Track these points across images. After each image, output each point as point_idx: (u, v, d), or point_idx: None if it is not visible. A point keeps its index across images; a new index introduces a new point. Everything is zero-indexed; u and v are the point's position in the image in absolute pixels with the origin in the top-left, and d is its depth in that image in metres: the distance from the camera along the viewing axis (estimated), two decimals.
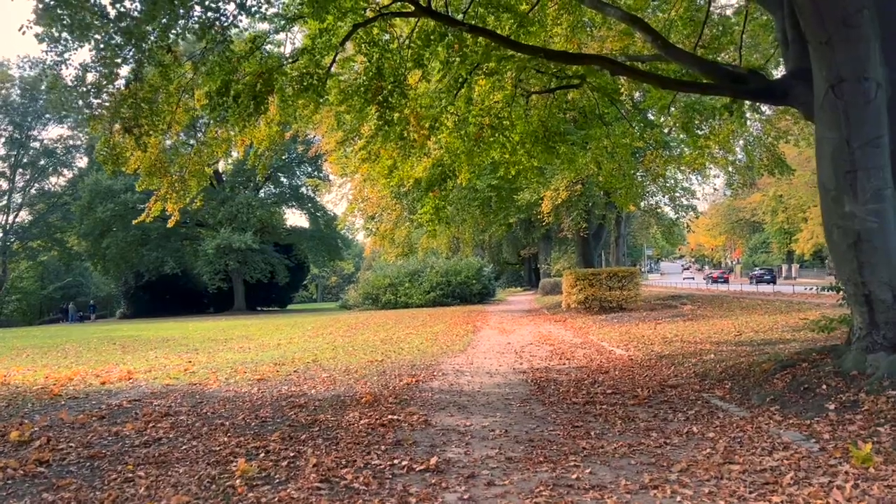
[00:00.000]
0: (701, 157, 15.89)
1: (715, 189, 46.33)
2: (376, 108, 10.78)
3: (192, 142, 14.25)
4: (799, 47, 8.36)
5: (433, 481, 4.81)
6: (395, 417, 7.02)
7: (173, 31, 9.10)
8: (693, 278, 77.54)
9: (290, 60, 11.24)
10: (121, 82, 9.74)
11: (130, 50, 9.25)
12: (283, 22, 11.07)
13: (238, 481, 4.94)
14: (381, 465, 5.28)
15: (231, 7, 9.27)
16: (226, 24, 9.36)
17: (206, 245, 45.84)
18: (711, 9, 13.08)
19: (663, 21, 13.21)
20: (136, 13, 8.14)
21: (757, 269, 64.62)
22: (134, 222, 14.07)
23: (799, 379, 6.78)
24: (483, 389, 8.88)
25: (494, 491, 4.56)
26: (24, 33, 7.59)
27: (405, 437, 6.14)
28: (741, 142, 19.95)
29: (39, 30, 8.32)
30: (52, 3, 8.01)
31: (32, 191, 57.55)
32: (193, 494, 4.72)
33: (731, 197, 64.20)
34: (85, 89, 9.38)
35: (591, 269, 24.90)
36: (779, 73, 13.96)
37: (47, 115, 53.96)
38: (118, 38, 8.68)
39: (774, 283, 50.52)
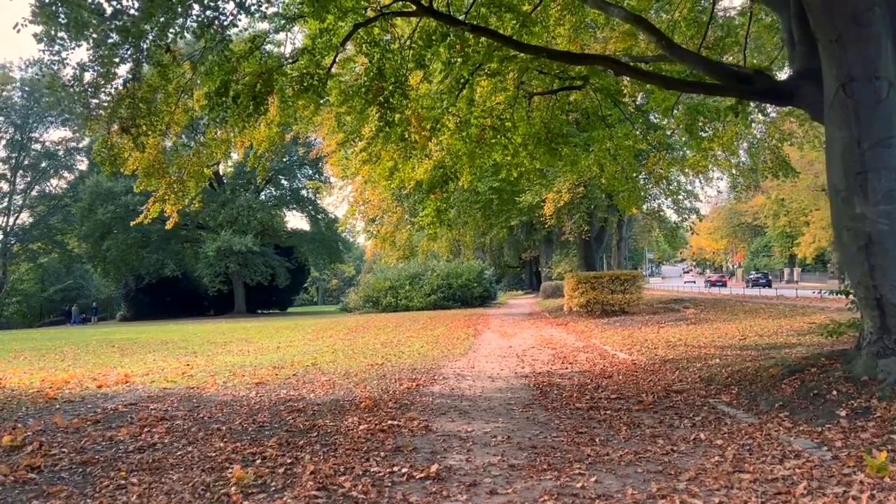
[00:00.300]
0: (704, 160, 15.74)
1: (719, 191, 46.18)
2: (377, 108, 10.66)
3: (191, 143, 14.10)
4: (805, 47, 8.24)
5: (434, 490, 4.67)
6: (395, 423, 6.88)
7: (172, 30, 9.00)
8: (694, 282, 77.38)
9: (290, 61, 11.13)
10: (119, 82, 9.64)
11: (128, 49, 9.16)
12: (283, 21, 10.96)
13: (233, 489, 4.80)
14: (380, 472, 5.14)
15: (230, 6, 9.17)
16: (225, 22, 9.24)
17: (207, 247, 45.73)
18: (715, 10, 12.97)
19: (667, 22, 13.10)
20: (133, 11, 8.02)
21: (753, 273, 65.51)
22: (132, 224, 13.96)
23: (808, 384, 6.63)
24: (485, 394, 8.74)
25: (497, 500, 4.42)
26: (19, 31, 7.47)
27: (405, 444, 6.00)
28: (745, 144, 19.83)
29: (37, 29, 8.23)
30: (48, 0, 7.91)
31: (33, 193, 57.50)
32: (187, 502, 4.58)
33: (734, 200, 64.14)
34: (81, 89, 9.27)
35: (593, 273, 24.75)
36: (783, 74, 13.82)
37: (49, 118, 53.97)
38: (115, 37, 8.57)
39: (770, 286, 51.70)
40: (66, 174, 58.69)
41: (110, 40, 8.32)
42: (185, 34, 9.18)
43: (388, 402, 8.16)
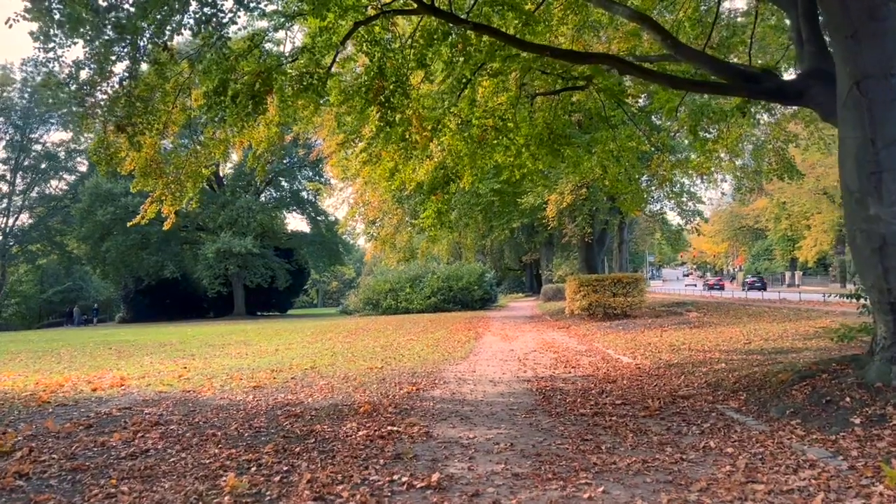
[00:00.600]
0: (708, 161, 15.57)
1: (723, 193, 46.05)
2: (377, 108, 10.49)
3: (189, 143, 13.95)
4: (814, 47, 8.09)
5: (435, 500, 4.50)
6: (395, 429, 6.70)
7: (169, 27, 8.85)
8: (695, 285, 77.30)
9: (289, 59, 10.97)
10: (115, 80, 9.48)
11: (125, 47, 9.01)
12: (282, 19, 10.80)
13: (227, 498, 4.63)
14: (379, 481, 4.96)
15: (229, 3, 9.02)
16: (223, 20, 9.09)
17: (206, 249, 45.57)
18: (720, 11, 12.81)
19: (671, 22, 12.94)
20: (127, 6, 7.87)
21: (749, 276, 66.96)
22: (129, 224, 13.78)
23: (819, 391, 6.45)
24: (486, 399, 8.56)
25: None
26: (11, 26, 7.30)
27: (405, 451, 5.82)
28: (749, 146, 19.66)
29: (33, 27, 8.09)
30: None
31: (33, 194, 57.36)
32: None
33: (738, 202, 64.04)
34: (76, 86, 9.11)
35: (594, 276, 24.56)
36: (789, 75, 13.65)
37: (51, 119, 53.88)
38: (111, 34, 8.42)
39: (764, 289, 52.79)
40: (66, 176, 58.59)
41: (105, 37, 8.15)
42: (183, 31, 9.01)
43: (388, 406, 7.98)
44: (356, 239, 56.52)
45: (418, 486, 4.79)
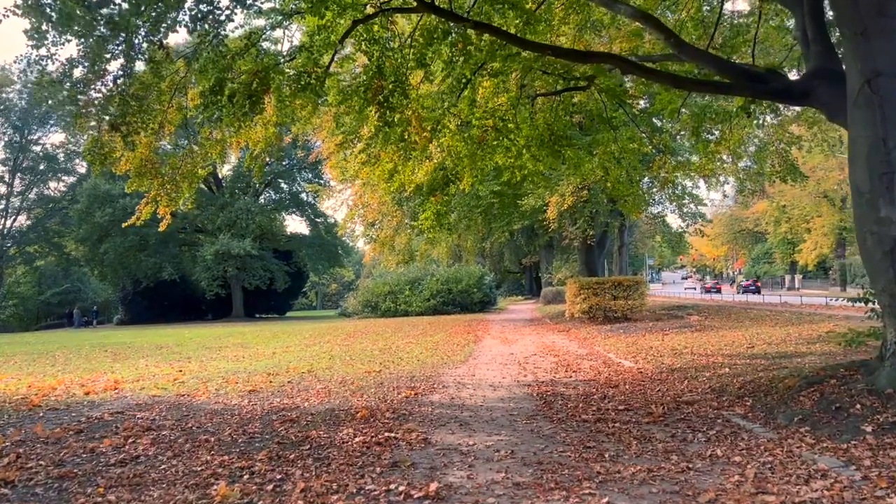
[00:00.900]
0: (711, 163, 15.41)
1: (725, 195, 45.91)
2: (376, 108, 10.33)
3: (185, 143, 13.77)
4: (820, 46, 7.94)
5: None
6: (393, 435, 6.53)
7: (164, 25, 8.70)
8: (695, 288, 77.14)
9: (287, 59, 10.81)
10: (109, 79, 9.32)
11: (119, 45, 8.86)
12: (279, 18, 10.66)
13: None
14: (375, 490, 4.79)
15: (225, 0, 8.87)
16: (220, 17, 8.94)
17: (205, 251, 45.38)
18: (723, 11, 12.67)
19: (673, 23, 12.79)
20: (121, 2, 7.71)
21: (744, 280, 68.08)
22: (124, 225, 13.60)
23: (828, 397, 6.28)
24: (486, 404, 8.38)
25: None
26: (0, 21, 7.14)
27: (402, 458, 5.65)
28: (751, 148, 19.50)
29: (26, 25, 7.93)
30: None
31: (31, 195, 57.16)
32: None
33: (740, 205, 63.99)
34: (70, 84, 8.95)
35: (595, 278, 24.40)
36: (792, 76, 13.48)
37: (50, 121, 53.68)
38: (104, 31, 8.26)
39: (758, 292, 53.55)
40: (64, 177, 58.39)
41: (97, 34, 8.00)
42: (178, 29, 8.85)
43: (386, 412, 7.81)
44: (355, 241, 56.31)
45: (416, 496, 4.63)
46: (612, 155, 14.32)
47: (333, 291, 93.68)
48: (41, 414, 8.50)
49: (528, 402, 8.41)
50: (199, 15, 8.82)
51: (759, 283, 62.58)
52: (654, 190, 23.65)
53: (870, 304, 7.20)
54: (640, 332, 17.94)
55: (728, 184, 28.74)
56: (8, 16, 7.27)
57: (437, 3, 9.89)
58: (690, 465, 5.16)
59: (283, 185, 55.84)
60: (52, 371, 13.78)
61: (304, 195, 54.91)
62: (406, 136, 11.20)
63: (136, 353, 17.93)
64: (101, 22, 7.93)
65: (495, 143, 12.15)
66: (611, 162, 14.55)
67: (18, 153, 54.20)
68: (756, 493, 4.34)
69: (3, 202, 54.69)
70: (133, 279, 49.21)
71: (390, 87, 10.19)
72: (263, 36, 10.90)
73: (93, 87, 9.37)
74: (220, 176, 52.25)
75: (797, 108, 16.37)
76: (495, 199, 23.35)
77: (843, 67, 8.27)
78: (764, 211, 64.79)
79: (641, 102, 20.05)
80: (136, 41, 9.03)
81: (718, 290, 63.02)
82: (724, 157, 16.06)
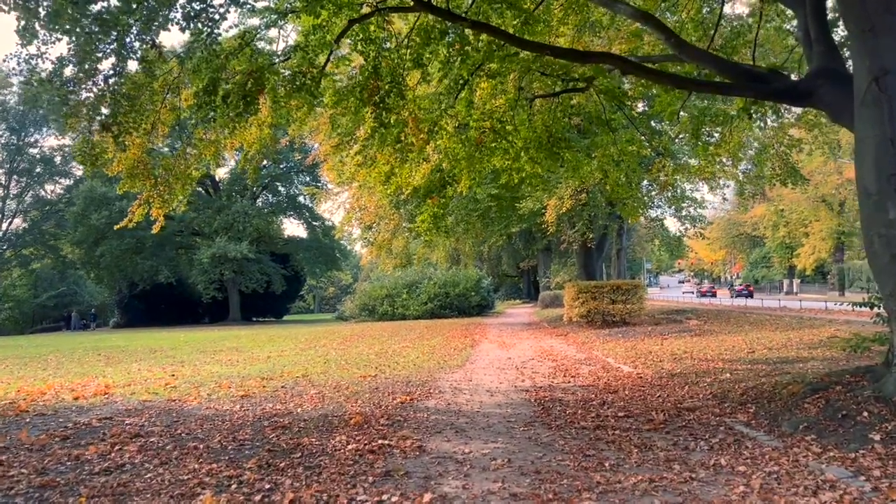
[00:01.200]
0: (711, 166, 15.26)
1: (725, 198, 45.78)
2: (372, 109, 10.17)
3: (179, 144, 13.58)
4: (823, 46, 7.81)
5: None
6: (386, 442, 6.35)
7: (156, 23, 8.54)
8: (693, 292, 77.02)
9: (282, 58, 10.66)
10: (100, 78, 9.16)
11: (111, 43, 8.71)
12: (274, 17, 10.51)
13: None
14: (366, 501, 4.62)
15: None
16: (213, 15, 8.78)
17: (202, 254, 45.15)
18: (723, 13, 12.54)
19: (673, 24, 12.65)
20: None
21: (737, 285, 69.25)
22: (116, 227, 13.42)
23: (834, 404, 6.12)
24: (483, 410, 8.21)
25: None
26: None
27: (396, 467, 5.47)
28: (751, 151, 19.35)
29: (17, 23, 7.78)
30: None
31: (27, 198, 56.90)
32: None
33: (740, 208, 63.97)
34: (59, 83, 8.79)
35: (593, 282, 24.22)
36: (793, 78, 13.34)
37: (48, 124, 53.43)
38: (94, 28, 8.10)
39: (751, 296, 54.07)
40: (61, 180, 58.10)
41: (87, 30, 7.83)
42: (171, 27, 8.69)
43: (380, 418, 7.64)
44: (353, 244, 56.21)
45: None
46: (611, 157, 14.17)
47: (331, 295, 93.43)
48: (28, 420, 8.31)
49: (526, 408, 8.24)
50: (192, 13, 8.68)
51: (751, 288, 63.06)
52: (654, 193, 23.48)
53: (875, 309, 7.05)
54: (638, 337, 17.78)
55: (728, 186, 28.57)
56: None
57: (434, 3, 9.74)
58: (693, 475, 4.99)
59: (280, 187, 55.64)
60: (43, 375, 13.57)
61: (301, 198, 54.70)
62: (403, 138, 11.03)
63: (129, 357, 17.73)
64: (91, 19, 7.76)
65: (493, 145, 12.01)
66: (610, 164, 14.40)
67: (15, 155, 53.96)
68: None
69: (0, 204, 54.45)
70: (129, 282, 48.95)
71: (386, 87, 10.04)
72: (258, 35, 10.74)
73: (83, 86, 9.21)
74: (216, 178, 52.05)
75: (797, 111, 16.24)
76: (493, 202, 23.20)
77: (847, 67, 8.14)
78: (762, 215, 64.71)
79: (640, 105, 19.94)
80: (128, 40, 8.89)
81: (713, 294, 63.54)
82: (724, 160, 15.88)
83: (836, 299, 37.65)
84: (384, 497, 4.67)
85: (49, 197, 57.70)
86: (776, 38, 13.89)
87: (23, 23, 7.85)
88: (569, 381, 10.45)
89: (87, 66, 8.73)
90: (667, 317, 24.76)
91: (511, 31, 10.15)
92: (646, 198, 23.09)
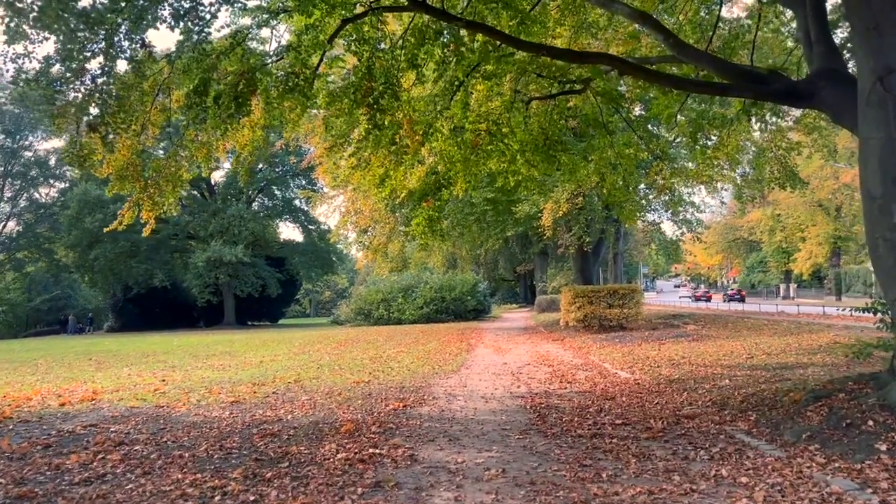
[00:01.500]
0: (709, 169, 15.12)
1: (723, 202, 45.69)
2: (366, 110, 10.01)
3: (170, 146, 13.38)
4: (823, 47, 7.68)
5: None
6: (377, 451, 6.16)
7: (144, 21, 8.38)
8: (689, 297, 76.98)
9: (274, 59, 10.49)
10: (88, 77, 8.99)
11: (99, 42, 8.55)
12: (266, 16, 10.33)
13: None
14: None
15: None
16: (203, 13, 8.62)
17: (197, 258, 44.93)
18: (720, 15, 12.41)
19: (670, 26, 12.51)
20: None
21: (730, 290, 69.86)
22: (106, 230, 13.21)
23: (838, 413, 5.94)
24: (477, 417, 8.03)
25: None
26: None
27: (386, 478, 5.29)
28: (748, 155, 19.22)
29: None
30: None
31: (21, 201, 56.58)
32: None
33: (739, 211, 64.03)
34: (46, 83, 8.61)
35: (590, 287, 24.07)
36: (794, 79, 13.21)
37: (42, 126, 53.13)
38: (81, 26, 7.93)
39: (743, 301, 54.34)
40: (56, 183, 57.81)
41: (72, 26, 7.66)
42: (159, 25, 8.52)
43: (372, 425, 7.45)
44: (349, 248, 55.96)
45: None
46: (608, 161, 14.02)
47: (327, 299, 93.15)
48: (11, 427, 8.11)
49: (522, 415, 8.06)
50: (182, 11, 8.52)
51: (743, 293, 63.67)
52: (651, 197, 23.35)
53: (879, 315, 6.89)
54: (636, 342, 17.61)
55: (726, 190, 28.49)
56: None
57: (428, 2, 9.59)
58: (694, 487, 4.81)
59: (276, 191, 55.46)
60: (31, 380, 13.36)
61: (297, 201, 54.53)
62: (397, 140, 10.87)
63: (120, 362, 17.51)
64: (77, 16, 7.59)
65: (489, 147, 11.84)
66: (607, 168, 14.25)
67: (10, 158, 53.66)
68: None
69: None
70: (124, 286, 48.69)
71: (381, 88, 9.86)
72: (250, 35, 10.56)
73: (71, 86, 9.04)
74: (212, 182, 51.86)
75: (795, 114, 16.12)
76: (489, 206, 23.05)
77: (848, 68, 8.01)
78: (759, 220, 64.70)
79: (638, 109, 19.80)
80: (117, 39, 8.72)
81: (708, 299, 63.90)
82: (723, 163, 15.74)
83: (834, 304, 37.71)
84: None
85: (43, 200, 57.39)
86: (774, 41, 13.78)
87: (9, 21, 7.69)
88: (565, 388, 10.27)
89: (74, 66, 8.57)
90: (664, 321, 24.62)
91: (507, 31, 10.00)
92: (643, 201, 22.96)
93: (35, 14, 7.62)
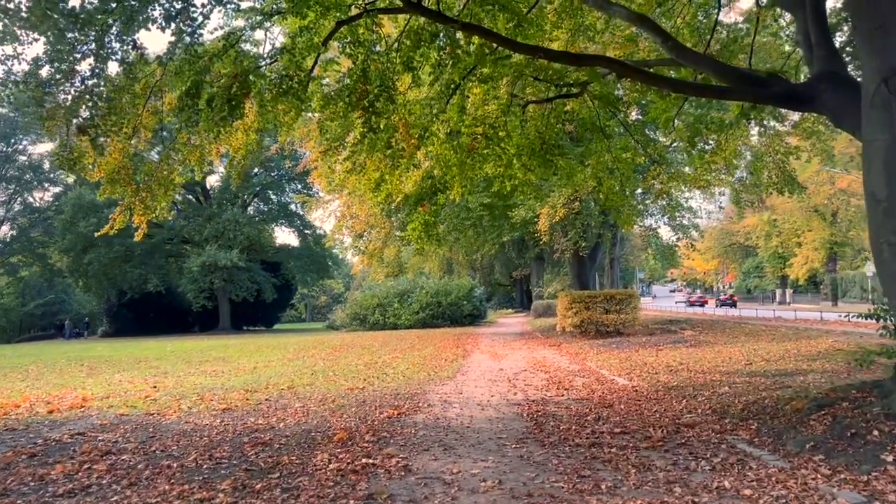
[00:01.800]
0: (707, 174, 15.02)
1: (721, 207, 45.48)
2: (361, 113, 9.87)
3: (162, 149, 13.22)
4: (824, 49, 7.57)
5: None
6: (371, 461, 6.01)
7: (136, 23, 8.24)
8: (685, 302, 76.98)
9: (268, 61, 10.35)
10: (77, 79, 8.84)
11: (89, 44, 8.41)
12: (259, 18, 10.19)
13: None
14: None
15: None
16: (194, 14, 8.49)
17: (191, 262, 44.69)
18: (719, 18, 12.32)
19: (668, 29, 12.41)
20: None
21: (722, 295, 71.11)
22: (97, 234, 13.03)
23: (842, 422, 5.81)
24: (473, 425, 7.88)
25: None
26: None
27: (379, 489, 5.14)
28: (744, 161, 19.12)
29: None
30: None
31: (16, 205, 56.29)
32: None
33: (734, 217, 64.05)
34: (35, 84, 8.46)
35: (587, 292, 23.94)
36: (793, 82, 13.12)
37: (37, 130, 52.86)
38: (70, 26, 7.79)
39: (735, 306, 55.10)
40: (50, 187, 57.58)
41: (61, 27, 7.52)
42: (150, 27, 8.39)
43: (365, 434, 7.29)
44: (344, 253, 55.77)
45: None
46: (605, 165, 13.91)
47: (323, 304, 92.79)
48: None
49: (518, 423, 7.91)
50: (173, 12, 8.39)
51: (735, 298, 64.30)
52: (649, 201, 23.23)
53: (882, 321, 6.77)
54: (633, 348, 17.48)
55: (724, 195, 28.37)
56: None
57: (424, 4, 9.47)
58: (696, 499, 4.67)
59: (271, 195, 55.26)
60: (21, 387, 13.16)
61: (292, 206, 54.34)
62: (393, 144, 10.73)
63: (112, 368, 17.30)
64: (66, 16, 7.45)
65: (485, 151, 11.71)
66: (604, 172, 14.13)
67: (4, 162, 53.39)
68: None
69: None
70: (118, 291, 48.43)
71: (376, 91, 9.74)
72: (243, 37, 10.43)
73: (61, 88, 8.90)
74: (207, 186, 51.65)
75: (793, 118, 16.04)
76: (485, 210, 22.91)
77: (849, 71, 7.91)
78: (755, 225, 64.72)
79: (634, 113, 19.70)
80: (107, 40, 8.59)
81: (703, 304, 64.40)
82: (721, 167, 15.62)
83: (830, 309, 37.63)
84: None
85: (38, 204, 57.13)
86: (772, 45, 13.69)
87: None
88: (562, 395, 10.12)
89: (64, 67, 8.43)
90: (661, 327, 24.50)
91: (504, 34, 9.88)
92: (640, 206, 22.84)
93: (23, 14, 7.49)
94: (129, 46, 8.85)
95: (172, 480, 5.62)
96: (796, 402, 6.81)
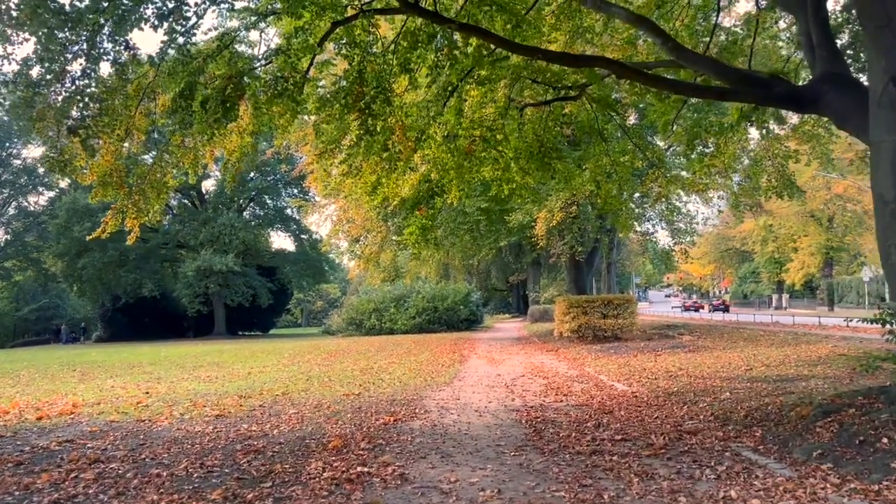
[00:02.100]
0: (705, 178, 14.91)
1: (721, 211, 45.49)
2: (357, 115, 9.74)
3: (156, 152, 13.06)
4: (826, 50, 7.47)
5: None
6: (366, 469, 5.85)
7: (129, 23, 8.10)
8: (680, 307, 76.93)
9: (263, 63, 10.22)
10: (68, 80, 8.69)
11: (81, 44, 8.27)
12: (254, 18, 10.06)
13: None
14: None
15: None
16: (187, 13, 8.35)
17: (186, 267, 44.45)
18: (719, 20, 12.25)
19: (667, 31, 12.33)
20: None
21: (714, 300, 72.79)
22: (88, 238, 12.86)
23: (849, 429, 5.68)
24: (471, 431, 7.72)
25: None
26: None
27: (375, 499, 4.98)
28: (741, 165, 19.02)
29: None
30: None
31: (10, 209, 56.00)
32: None
33: (732, 222, 64.08)
34: (24, 85, 8.31)
35: (584, 297, 23.81)
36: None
37: (32, 134, 52.55)
38: (60, 24, 7.65)
39: (727, 311, 56.05)
40: (45, 192, 57.24)
41: (51, 26, 7.37)
42: (143, 26, 8.25)
43: (361, 441, 7.13)
44: (340, 257, 55.61)
45: None
46: (603, 168, 13.81)
47: (319, 308, 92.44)
48: None
49: (517, 430, 7.76)
50: (166, 11, 8.25)
51: (727, 303, 65.10)
52: (647, 205, 23.12)
53: (888, 326, 6.64)
54: (631, 353, 17.34)
55: (722, 199, 28.29)
56: None
57: (421, 5, 9.35)
58: None
59: (267, 200, 55.07)
60: (11, 392, 12.97)
61: (288, 210, 54.15)
62: (389, 146, 10.59)
63: (105, 373, 17.10)
64: (54, 14, 7.31)
65: (483, 154, 11.60)
66: (602, 176, 14.03)
67: None
68: None
69: None
70: (112, 295, 48.16)
71: (372, 93, 9.61)
72: (238, 38, 10.29)
73: (52, 88, 8.74)
74: (203, 191, 51.45)
75: (793, 121, 15.95)
76: (482, 215, 22.77)
77: (852, 72, 7.80)
78: (751, 230, 64.73)
79: (633, 117, 19.62)
80: (99, 40, 8.45)
81: (697, 309, 65.12)
82: (719, 171, 15.52)
83: (826, 314, 37.59)
84: None
85: (32, 208, 56.84)
86: (772, 47, 13.61)
87: None
88: (561, 401, 9.97)
89: (55, 68, 8.28)
90: (658, 332, 24.38)
91: (501, 35, 9.76)
92: (638, 210, 22.74)
93: (12, 12, 7.35)
94: (122, 46, 8.71)
95: (161, 490, 5.45)
96: (801, 409, 6.67)
